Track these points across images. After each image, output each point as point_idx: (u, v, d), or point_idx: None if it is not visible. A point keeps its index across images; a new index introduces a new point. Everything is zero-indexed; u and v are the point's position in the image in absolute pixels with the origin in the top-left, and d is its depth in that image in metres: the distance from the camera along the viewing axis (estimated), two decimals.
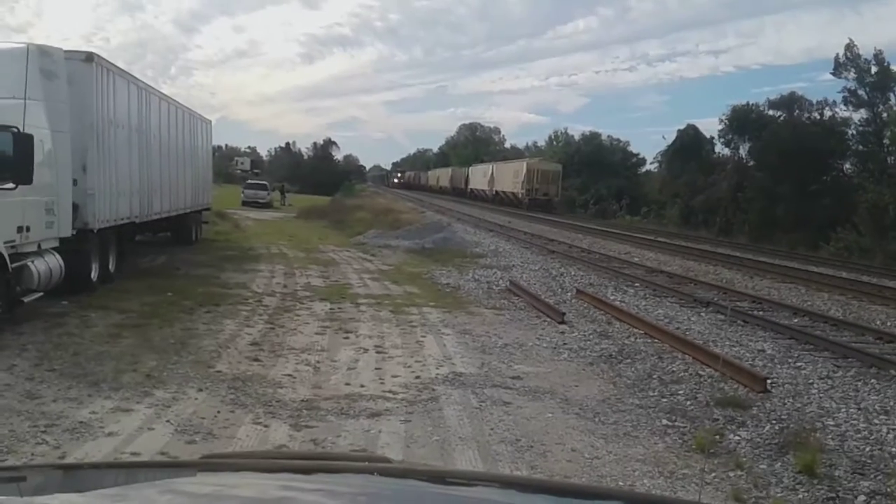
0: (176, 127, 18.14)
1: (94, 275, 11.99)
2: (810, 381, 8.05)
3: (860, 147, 34.43)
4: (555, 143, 70.51)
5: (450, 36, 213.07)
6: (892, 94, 33.36)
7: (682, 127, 46.38)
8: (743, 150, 40.61)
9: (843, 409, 7.03)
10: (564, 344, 9.76)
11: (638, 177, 55.25)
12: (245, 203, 42.34)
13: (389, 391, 7.20)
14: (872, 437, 6.27)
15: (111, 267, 13.05)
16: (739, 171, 38.21)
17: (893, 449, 6.00)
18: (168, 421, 6.05)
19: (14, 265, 9.02)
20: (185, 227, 20.12)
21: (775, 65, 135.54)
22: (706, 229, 35.59)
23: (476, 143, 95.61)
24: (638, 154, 60.58)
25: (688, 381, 8.05)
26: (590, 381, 8.09)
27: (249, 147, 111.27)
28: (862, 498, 5.17)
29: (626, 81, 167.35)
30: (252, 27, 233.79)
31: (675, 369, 8.51)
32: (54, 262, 10.15)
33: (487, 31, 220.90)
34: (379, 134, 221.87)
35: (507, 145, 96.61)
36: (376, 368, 8.09)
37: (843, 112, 35.38)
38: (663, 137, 58.03)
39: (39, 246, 10.01)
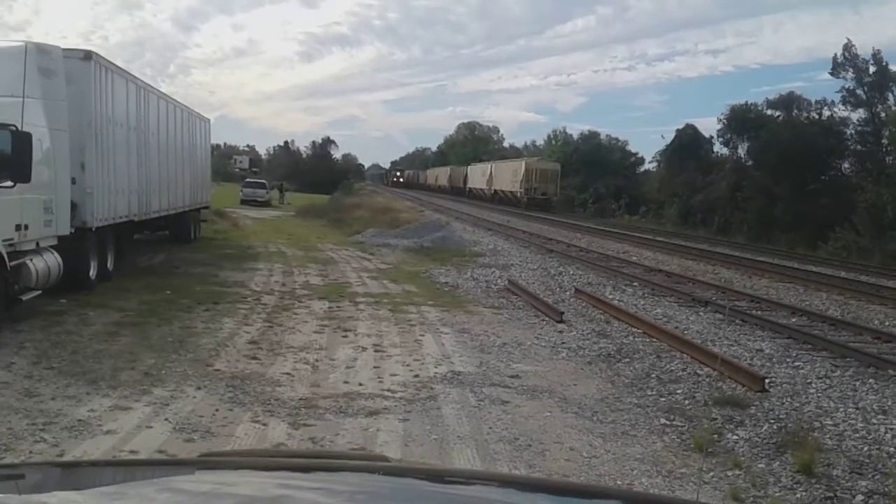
0: (174, 125, 18.13)
1: (92, 273, 11.98)
2: (808, 380, 8.06)
3: (858, 147, 34.46)
4: (553, 142, 70.49)
5: (449, 35, 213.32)
6: (890, 94, 33.41)
7: (680, 126, 46.52)
8: (741, 150, 40.71)
9: (842, 409, 7.04)
10: (563, 343, 9.76)
11: (636, 176, 55.28)
12: (243, 202, 42.32)
13: (388, 390, 7.20)
14: (870, 437, 6.27)
15: (109, 265, 13.04)
16: (738, 171, 38.23)
17: (891, 448, 6.01)
18: (166, 419, 6.04)
19: (12, 263, 9.01)
20: (183, 225, 20.09)
21: (774, 64, 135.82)
22: (705, 229, 35.59)
23: (475, 142, 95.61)
24: (636, 153, 60.76)
25: (686, 380, 8.06)
26: (588, 380, 8.10)
27: (248, 145, 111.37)
28: (860, 497, 5.17)
29: (624, 81, 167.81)
30: (251, 26, 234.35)
31: (673, 368, 8.52)
32: (53, 260, 10.14)
33: (486, 31, 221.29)
34: (378, 133, 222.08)
35: (506, 144, 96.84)
36: (375, 367, 8.09)
37: (841, 112, 35.46)
38: (662, 137, 58.16)
39: (38, 244, 9.99)
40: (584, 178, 53.67)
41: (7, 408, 6.04)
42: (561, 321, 11.01)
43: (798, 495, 5.23)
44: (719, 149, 43.48)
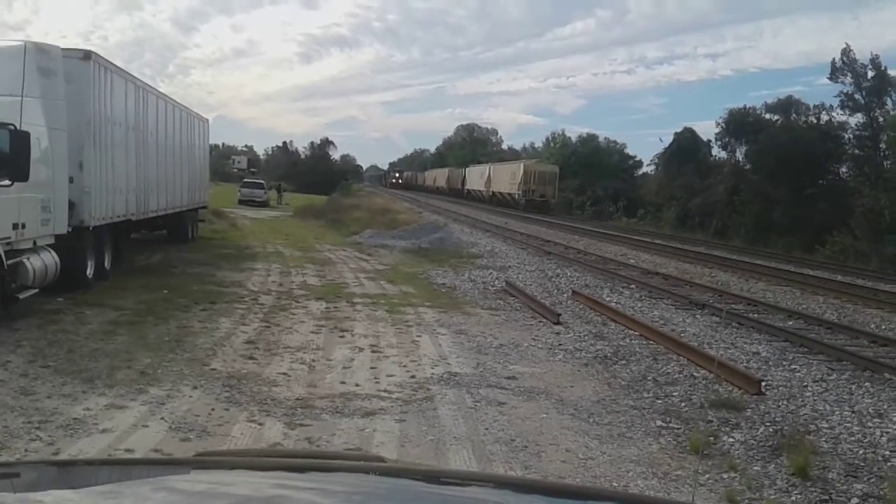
0: (173, 125, 18.12)
1: (89, 272, 11.97)
2: (805, 383, 8.07)
3: (856, 151, 34.53)
4: (552, 144, 70.60)
5: (448, 37, 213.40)
6: (888, 99, 33.49)
7: (679, 130, 46.62)
8: (740, 154, 40.77)
9: (837, 412, 7.05)
10: (560, 345, 9.76)
11: (635, 179, 55.39)
12: (241, 202, 42.27)
13: (384, 390, 7.20)
14: (866, 440, 6.28)
15: (107, 264, 13.03)
16: (736, 175, 38.28)
17: (886, 452, 6.02)
18: (162, 418, 6.04)
19: (9, 262, 9.01)
20: (181, 225, 20.09)
21: (773, 68, 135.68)
22: (702, 232, 35.63)
23: (473, 144, 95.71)
24: (635, 156, 60.92)
25: (682, 382, 8.07)
26: (585, 381, 8.10)
27: (246, 146, 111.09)
28: (855, 500, 5.18)
29: (623, 84, 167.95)
30: (250, 26, 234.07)
31: (669, 371, 8.53)
32: (50, 258, 10.14)
33: (486, 33, 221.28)
34: (376, 134, 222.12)
35: (505, 146, 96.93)
36: (371, 367, 8.08)
37: (839, 116, 35.53)
38: (660, 140, 58.29)
39: (35, 243, 9.99)
40: (583, 181, 53.73)
41: (3, 406, 6.03)
42: (558, 323, 11.01)
43: (793, 498, 5.24)
44: (717, 152, 43.63)
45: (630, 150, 62.73)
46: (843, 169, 35.57)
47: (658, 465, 5.71)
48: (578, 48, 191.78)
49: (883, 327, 12.10)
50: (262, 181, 50.51)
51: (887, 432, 6.47)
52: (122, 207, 13.76)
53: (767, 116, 39.43)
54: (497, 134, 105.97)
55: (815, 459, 5.74)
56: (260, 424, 6.07)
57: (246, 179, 52.11)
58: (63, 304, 10.28)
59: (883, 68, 33.31)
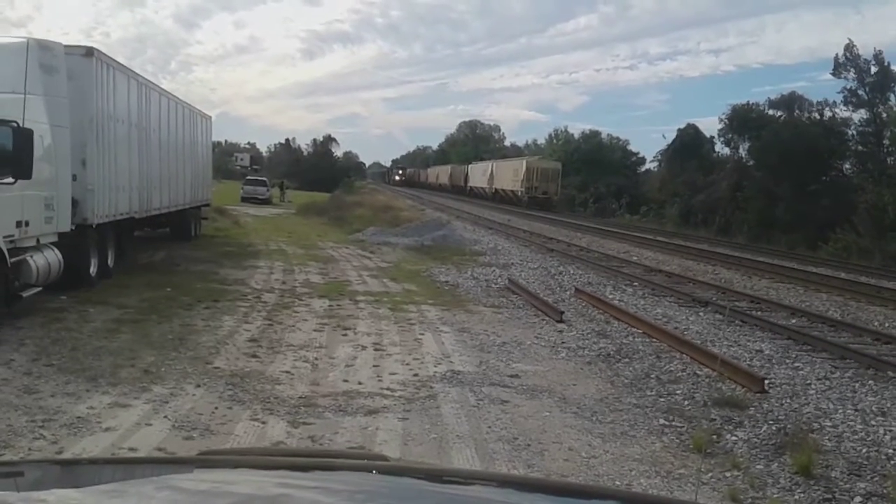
0: (176, 122, 18.13)
1: (92, 270, 11.99)
2: (808, 381, 8.06)
3: (860, 147, 34.45)
4: (555, 141, 70.52)
5: (450, 33, 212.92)
6: (891, 95, 33.38)
7: (682, 126, 46.68)
8: (743, 150, 40.72)
9: (841, 410, 7.04)
10: (563, 343, 9.76)
11: (637, 176, 55.32)
12: (244, 199, 42.29)
13: (387, 388, 7.20)
14: (869, 439, 6.27)
15: (110, 262, 13.05)
16: (739, 171, 38.23)
17: (890, 450, 6.01)
18: (166, 417, 6.05)
19: (13, 260, 9.01)
20: (184, 222, 20.11)
21: (776, 64, 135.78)
22: (705, 229, 35.58)
23: (476, 141, 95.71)
24: (638, 153, 60.87)
25: (685, 380, 8.06)
26: (587, 380, 8.10)
27: (249, 143, 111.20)
28: (858, 499, 5.17)
29: (626, 80, 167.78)
30: (252, 23, 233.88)
31: (672, 369, 8.52)
32: (53, 256, 10.15)
33: (488, 29, 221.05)
34: (379, 131, 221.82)
35: (507, 143, 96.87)
36: (374, 366, 8.09)
37: (843, 112, 35.46)
38: (663, 136, 58.22)
39: (38, 241, 10.00)
40: (585, 178, 53.67)
41: (6, 404, 6.04)
42: (561, 321, 11.01)
43: (796, 497, 5.23)
44: (720, 149, 43.58)
45: (633, 147, 62.94)
46: (847, 165, 35.52)
47: (661, 463, 5.71)
48: (581, 44, 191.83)
49: (886, 325, 12.08)
50: (264, 178, 50.53)
51: (891, 430, 6.46)
52: (126, 205, 13.78)
53: (770, 112, 39.36)
54: (500, 130, 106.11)
55: (819, 458, 5.73)
56: (263, 423, 6.08)
57: (249, 177, 52.18)
58: (66, 303, 10.30)
59: (886, 64, 33.28)
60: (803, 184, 32.40)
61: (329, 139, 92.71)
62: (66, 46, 11.02)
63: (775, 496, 5.21)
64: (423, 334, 9.85)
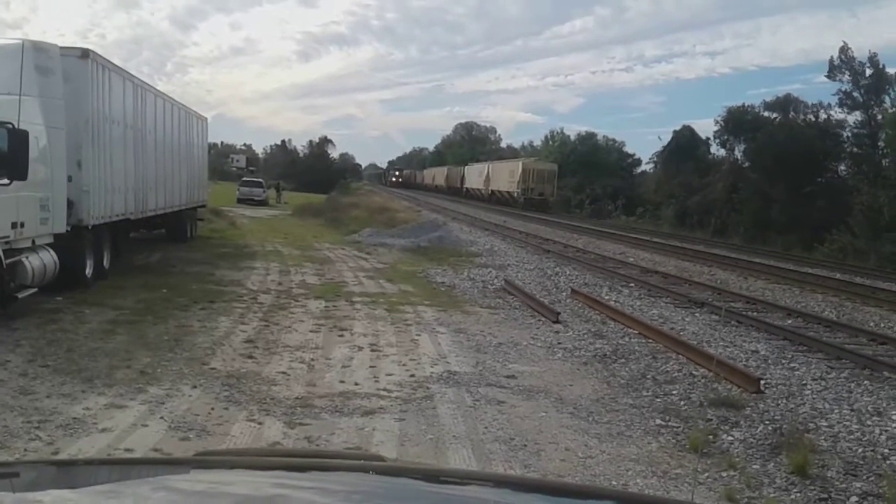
0: (171, 124, 18.11)
1: (88, 271, 11.96)
2: (804, 381, 8.08)
3: (855, 149, 34.56)
4: (551, 142, 70.55)
5: (446, 35, 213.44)
6: (886, 97, 33.52)
7: (677, 128, 46.69)
8: (738, 152, 40.85)
9: (836, 411, 7.06)
10: (559, 343, 9.77)
11: (633, 177, 55.42)
12: (240, 200, 42.21)
13: (384, 389, 7.20)
14: (865, 439, 6.29)
15: (106, 263, 13.01)
16: (734, 173, 38.32)
17: (886, 450, 6.03)
18: (162, 418, 6.04)
19: (8, 261, 9.00)
20: (180, 224, 20.07)
21: (771, 66, 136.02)
22: (701, 230, 35.66)
23: (472, 143, 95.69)
24: (633, 154, 60.96)
25: (682, 381, 8.07)
26: (584, 380, 8.10)
27: (245, 144, 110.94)
28: (854, 499, 5.19)
29: (622, 82, 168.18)
30: (248, 25, 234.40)
31: (669, 369, 8.53)
32: (49, 258, 10.13)
33: (484, 31, 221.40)
34: (375, 132, 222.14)
35: (503, 145, 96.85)
36: (371, 366, 8.08)
37: (837, 114, 35.58)
38: (659, 138, 58.23)
39: (34, 242, 9.98)
40: (581, 179, 53.75)
41: (2, 405, 6.02)
42: (557, 322, 11.01)
43: (792, 496, 5.24)
44: (716, 150, 43.71)
45: (629, 149, 62.96)
46: (842, 167, 35.64)
47: (657, 463, 5.72)
48: (577, 46, 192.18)
49: (882, 325, 12.12)
50: (260, 180, 50.46)
51: (886, 430, 6.48)
52: (121, 206, 13.75)
53: (766, 114, 39.50)
54: (496, 132, 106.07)
55: (815, 458, 5.75)
56: (259, 423, 6.07)
57: (245, 178, 52.05)
58: (62, 304, 10.27)
59: (881, 66, 33.39)
60: (799, 185, 32.49)
61: (325, 141, 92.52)
62: (61, 48, 11.00)
63: (771, 496, 5.22)
64: (419, 335, 9.85)
